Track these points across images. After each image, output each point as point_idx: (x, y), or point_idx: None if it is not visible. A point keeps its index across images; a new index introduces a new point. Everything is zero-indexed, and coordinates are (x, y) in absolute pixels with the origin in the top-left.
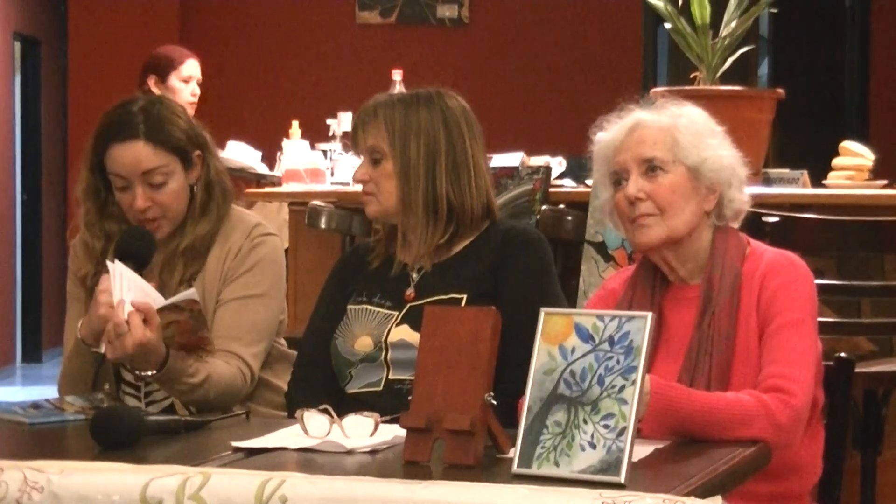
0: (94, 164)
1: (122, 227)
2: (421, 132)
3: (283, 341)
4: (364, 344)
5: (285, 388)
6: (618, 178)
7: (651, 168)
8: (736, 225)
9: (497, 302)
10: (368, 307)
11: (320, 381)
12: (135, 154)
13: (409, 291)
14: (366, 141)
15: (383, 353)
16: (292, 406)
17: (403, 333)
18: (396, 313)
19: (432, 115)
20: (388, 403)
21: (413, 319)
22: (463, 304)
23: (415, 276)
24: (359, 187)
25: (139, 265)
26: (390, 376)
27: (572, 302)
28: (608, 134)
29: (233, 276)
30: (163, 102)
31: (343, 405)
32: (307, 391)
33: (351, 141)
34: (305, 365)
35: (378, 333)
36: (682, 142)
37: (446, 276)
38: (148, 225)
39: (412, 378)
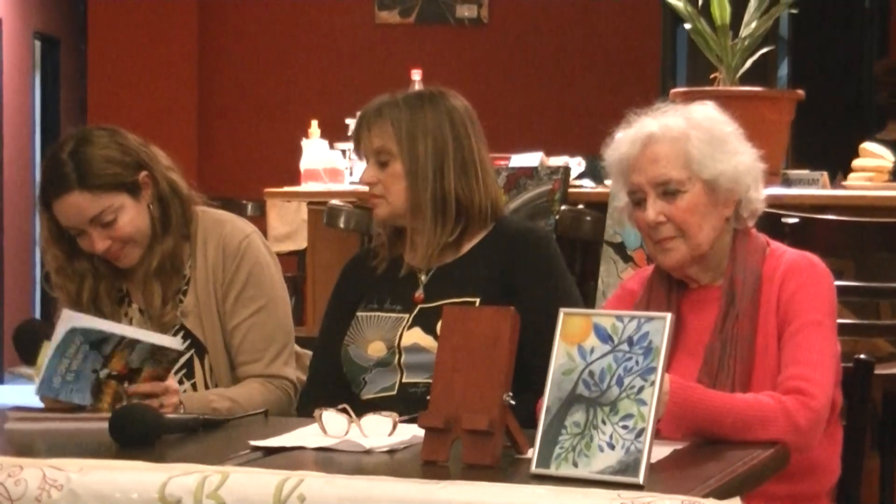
0: (49, 214)
1: (92, 263)
2: (428, 131)
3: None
4: (377, 349)
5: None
6: (636, 198)
7: (668, 191)
8: (751, 224)
9: (513, 306)
10: (379, 314)
11: (333, 395)
12: (75, 206)
13: (419, 293)
14: (372, 143)
15: (396, 357)
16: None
17: (416, 337)
18: (407, 316)
19: (438, 114)
20: (402, 408)
21: (424, 322)
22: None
23: (423, 278)
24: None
25: (31, 354)
26: (404, 380)
27: (591, 302)
28: (620, 146)
29: (231, 293)
30: (91, 140)
31: (358, 412)
32: (320, 405)
33: (353, 144)
34: (317, 380)
35: (390, 337)
36: (695, 156)
37: (456, 277)
38: (116, 256)
39: (426, 381)
